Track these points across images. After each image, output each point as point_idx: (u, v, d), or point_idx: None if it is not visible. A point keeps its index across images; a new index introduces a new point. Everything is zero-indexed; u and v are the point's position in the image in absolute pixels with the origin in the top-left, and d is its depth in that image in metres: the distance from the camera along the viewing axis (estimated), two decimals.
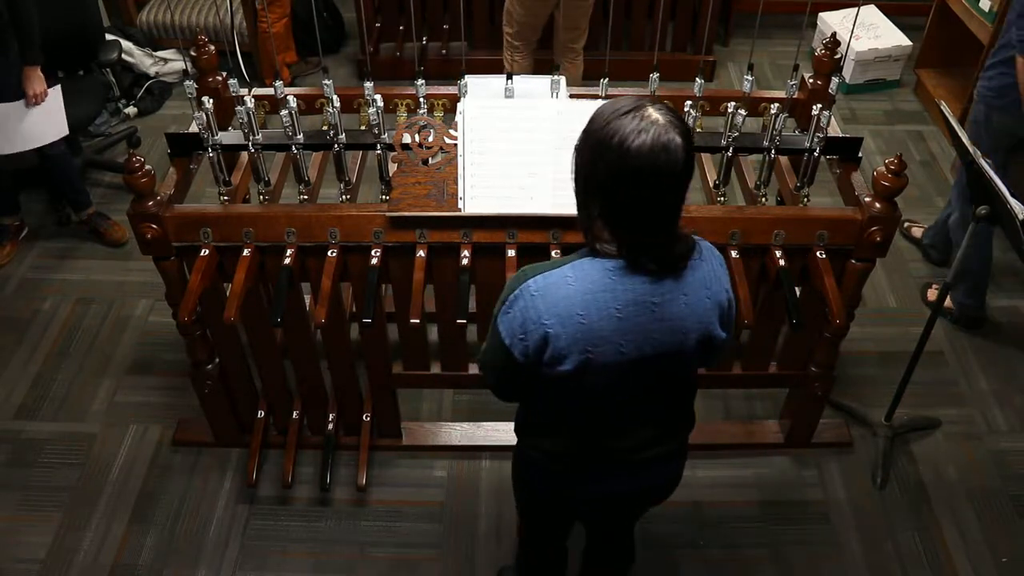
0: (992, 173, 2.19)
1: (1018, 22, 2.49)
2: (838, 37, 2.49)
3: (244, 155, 2.43)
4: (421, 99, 2.23)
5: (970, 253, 2.42)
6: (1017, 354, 3.03)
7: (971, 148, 2.24)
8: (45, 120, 3.05)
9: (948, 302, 3.03)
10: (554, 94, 2.25)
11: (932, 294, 3.14)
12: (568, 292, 1.38)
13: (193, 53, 2.44)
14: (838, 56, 2.46)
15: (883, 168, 2.06)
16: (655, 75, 2.23)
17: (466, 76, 2.20)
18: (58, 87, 3.08)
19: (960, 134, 2.28)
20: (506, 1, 3.52)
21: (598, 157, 1.31)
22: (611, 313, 1.38)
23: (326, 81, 2.22)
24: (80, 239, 3.47)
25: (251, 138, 2.21)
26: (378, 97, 2.18)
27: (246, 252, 2.14)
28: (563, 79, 2.25)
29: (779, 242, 2.14)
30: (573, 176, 1.39)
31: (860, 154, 2.30)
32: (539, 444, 1.65)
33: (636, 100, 1.31)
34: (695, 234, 1.46)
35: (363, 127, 2.37)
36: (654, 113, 1.29)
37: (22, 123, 3.01)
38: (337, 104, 2.18)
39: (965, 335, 3.09)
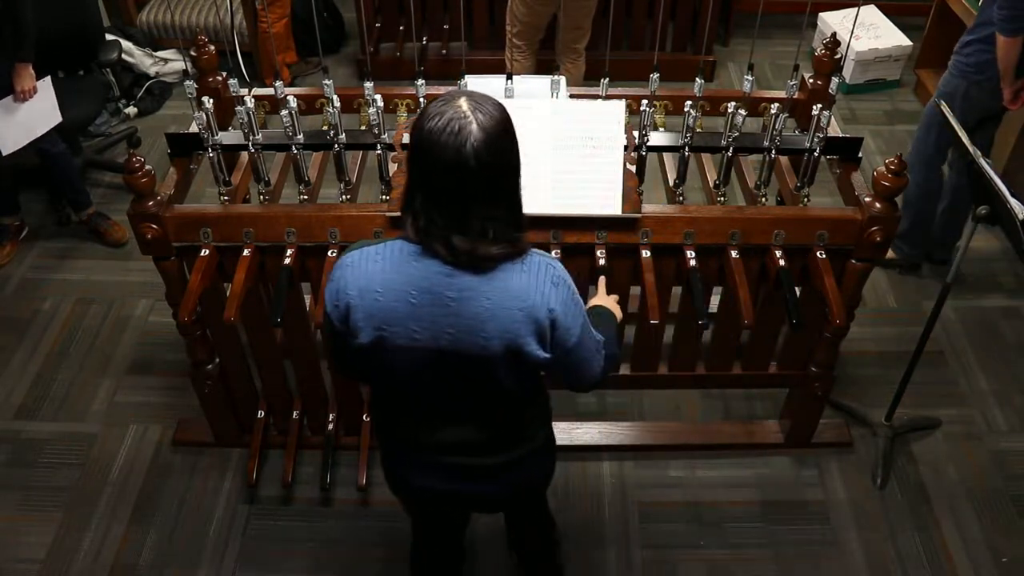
0: (992, 173, 2.19)
1: (1000, 1, 2.54)
2: (838, 37, 2.49)
3: (244, 155, 2.43)
4: (421, 99, 2.23)
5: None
6: (1017, 354, 3.03)
7: (971, 148, 2.24)
8: (38, 113, 3.06)
9: (891, 253, 3.23)
10: (554, 94, 2.25)
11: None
12: (372, 268, 1.44)
13: (193, 53, 2.44)
14: (838, 56, 2.46)
15: (883, 168, 2.06)
16: (655, 75, 2.23)
17: (466, 76, 2.20)
18: (47, 79, 3.08)
19: (960, 134, 2.28)
20: (509, 1, 3.52)
21: (411, 137, 1.36)
22: (406, 296, 1.42)
23: (326, 81, 2.22)
24: (80, 239, 3.47)
25: (251, 138, 2.21)
26: (378, 97, 2.18)
27: (246, 252, 2.14)
28: (563, 79, 2.25)
29: (779, 242, 2.14)
30: None
31: (860, 154, 2.30)
32: (375, 418, 1.71)
33: (463, 91, 1.35)
34: (539, 252, 1.46)
35: (363, 127, 2.37)
36: (463, 102, 1.32)
37: (15, 119, 3.01)
38: (337, 104, 2.18)
39: (965, 335, 3.09)
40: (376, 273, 1.43)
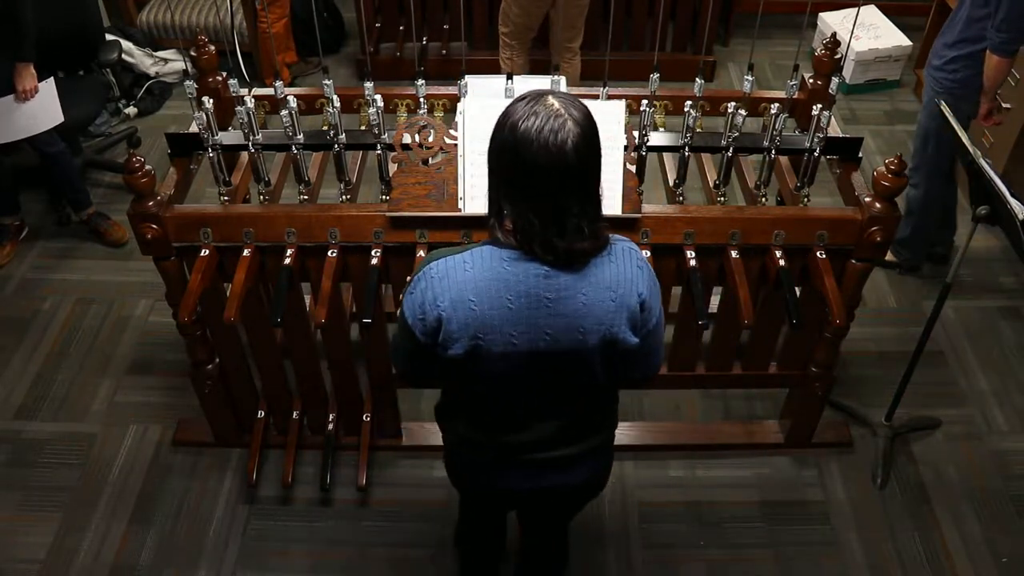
0: (992, 173, 2.19)
1: (1000, 25, 2.55)
2: (838, 37, 2.49)
3: (244, 155, 2.43)
4: (421, 99, 2.23)
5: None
6: (1017, 354, 3.03)
7: (971, 148, 2.24)
8: (39, 111, 3.06)
9: (890, 255, 3.26)
10: None
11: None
12: (464, 277, 1.40)
13: (193, 53, 2.44)
14: (838, 56, 2.46)
15: (883, 168, 2.06)
16: (655, 75, 2.23)
17: (466, 76, 2.20)
18: (50, 80, 3.09)
19: (960, 134, 2.28)
20: (502, 1, 3.52)
21: (496, 141, 1.35)
22: (503, 303, 1.40)
23: (326, 81, 2.22)
24: (80, 239, 3.47)
25: (251, 138, 2.21)
26: (378, 97, 2.18)
27: (246, 252, 2.13)
28: (563, 79, 2.25)
29: (779, 242, 2.14)
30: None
31: (860, 154, 2.30)
32: (451, 427, 1.69)
33: (546, 90, 1.35)
34: (616, 236, 1.47)
35: (363, 127, 2.37)
36: (553, 100, 1.31)
37: (15, 115, 3.01)
38: (337, 104, 2.18)
39: (965, 335, 3.09)
40: (468, 282, 1.40)
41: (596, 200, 1.40)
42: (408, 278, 1.51)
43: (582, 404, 1.59)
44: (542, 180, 1.32)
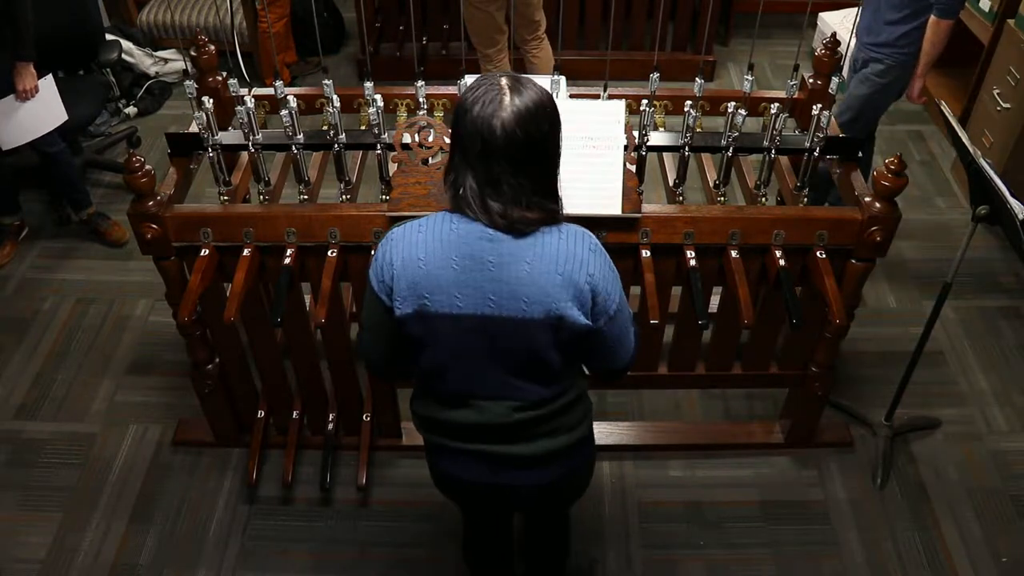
0: (992, 173, 2.19)
1: None
2: (838, 37, 2.49)
3: (244, 155, 2.43)
4: (421, 99, 2.23)
5: None
6: (1017, 354, 3.03)
7: (971, 148, 2.24)
8: (42, 111, 3.06)
9: None
10: (554, 94, 2.25)
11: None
12: (416, 238, 1.47)
13: (193, 53, 2.45)
14: (838, 56, 2.46)
15: (883, 168, 2.06)
16: (655, 75, 2.23)
17: (466, 76, 2.20)
18: (49, 76, 3.09)
19: (960, 134, 2.28)
20: (466, 22, 3.45)
21: (455, 111, 1.43)
22: (448, 263, 1.45)
23: (326, 81, 2.22)
24: (80, 239, 3.47)
25: (251, 138, 2.21)
26: (378, 97, 2.18)
27: (246, 252, 2.13)
28: (563, 79, 2.25)
29: (779, 242, 2.14)
30: None
31: (860, 154, 2.30)
32: (415, 409, 1.71)
33: (510, 73, 1.44)
34: (573, 224, 1.51)
35: (363, 127, 2.37)
36: (503, 79, 1.40)
37: (19, 116, 3.01)
38: (337, 104, 2.18)
39: (965, 335, 3.09)
40: (419, 242, 1.46)
41: (538, 175, 1.44)
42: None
43: (537, 389, 1.57)
44: (471, 146, 1.40)
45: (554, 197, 1.48)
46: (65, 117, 3.12)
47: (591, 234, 1.52)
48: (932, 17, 2.70)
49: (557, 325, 1.47)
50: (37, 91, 3.02)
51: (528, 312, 1.45)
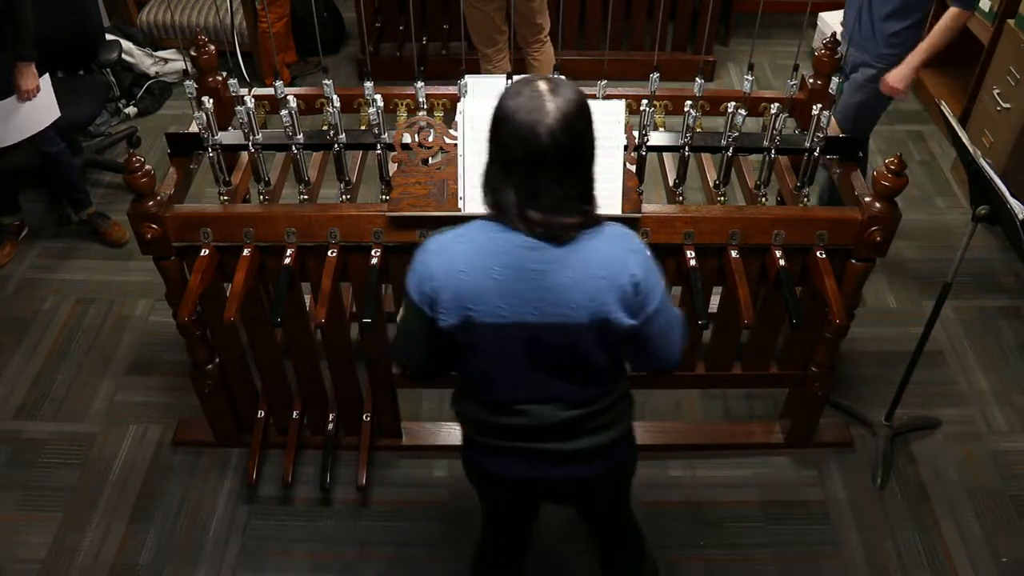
0: (992, 173, 2.19)
1: None
2: (838, 37, 2.49)
3: (244, 155, 2.43)
4: (421, 99, 2.23)
5: None
6: (1017, 354, 3.03)
7: (971, 148, 2.24)
8: (39, 108, 3.05)
9: None
10: None
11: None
12: (456, 249, 1.46)
13: (193, 53, 2.45)
14: (838, 56, 2.46)
15: (883, 168, 2.06)
16: (655, 75, 2.23)
17: (466, 76, 2.20)
18: (46, 75, 3.08)
19: (960, 134, 2.28)
20: (466, 20, 3.44)
21: (491, 120, 1.42)
22: (490, 273, 1.44)
23: (326, 81, 2.22)
24: (80, 239, 3.47)
25: (251, 138, 2.21)
26: (378, 97, 2.18)
27: (246, 252, 2.13)
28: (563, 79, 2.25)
29: (779, 242, 2.14)
30: None
31: (860, 154, 2.30)
32: (461, 410, 1.71)
33: (544, 76, 1.41)
34: (612, 223, 1.51)
35: (363, 127, 2.37)
36: (541, 84, 1.37)
37: (15, 116, 3.00)
38: (337, 104, 2.18)
39: (965, 335, 3.09)
40: (460, 253, 1.45)
41: (580, 180, 1.43)
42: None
43: (583, 390, 1.59)
44: (516, 156, 1.38)
45: (592, 200, 1.46)
46: (58, 114, 3.11)
47: (632, 232, 1.52)
48: (951, 8, 2.66)
49: (603, 327, 1.48)
50: (39, 91, 3.02)
51: (574, 317, 1.46)
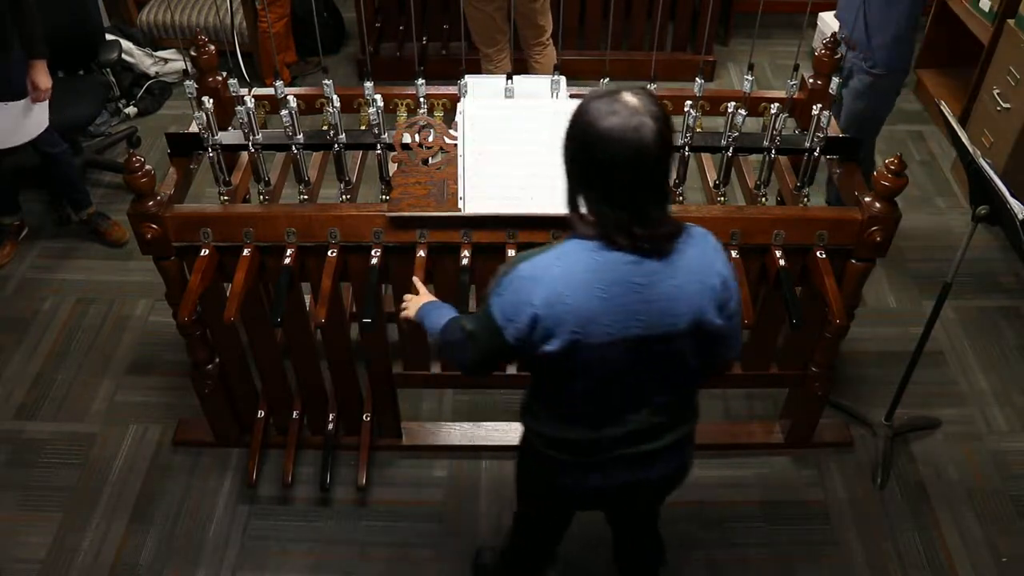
0: (992, 173, 2.19)
1: None
2: (838, 37, 2.49)
3: (244, 155, 2.43)
4: (421, 99, 2.23)
5: None
6: (1017, 354, 3.03)
7: (971, 148, 2.24)
8: (37, 112, 3.03)
9: None
10: (554, 94, 2.25)
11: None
12: (554, 274, 1.43)
13: (193, 53, 2.45)
14: (838, 56, 2.46)
15: (883, 168, 2.06)
16: (653, 82, 2.22)
17: (466, 76, 2.20)
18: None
19: (960, 134, 2.28)
20: (467, 20, 3.44)
21: (575, 140, 1.39)
22: (595, 293, 1.42)
23: (326, 81, 2.22)
24: (80, 239, 3.47)
25: (251, 138, 2.21)
26: (378, 97, 2.18)
27: (246, 252, 2.14)
28: (563, 79, 2.25)
29: (779, 242, 2.14)
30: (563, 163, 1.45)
31: (860, 154, 2.30)
32: (541, 429, 1.67)
33: (619, 90, 1.38)
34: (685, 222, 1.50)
35: (363, 127, 2.37)
36: (631, 98, 1.35)
37: (18, 119, 3.00)
38: (337, 104, 2.18)
39: (965, 335, 3.09)
40: (559, 278, 1.42)
41: (668, 190, 1.44)
42: (492, 279, 1.52)
43: (673, 392, 1.60)
44: (622, 176, 1.35)
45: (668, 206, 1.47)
46: (47, 123, 3.05)
47: (705, 228, 1.53)
48: None
49: (697, 330, 1.48)
50: (50, 91, 2.99)
51: (677, 325, 1.46)
